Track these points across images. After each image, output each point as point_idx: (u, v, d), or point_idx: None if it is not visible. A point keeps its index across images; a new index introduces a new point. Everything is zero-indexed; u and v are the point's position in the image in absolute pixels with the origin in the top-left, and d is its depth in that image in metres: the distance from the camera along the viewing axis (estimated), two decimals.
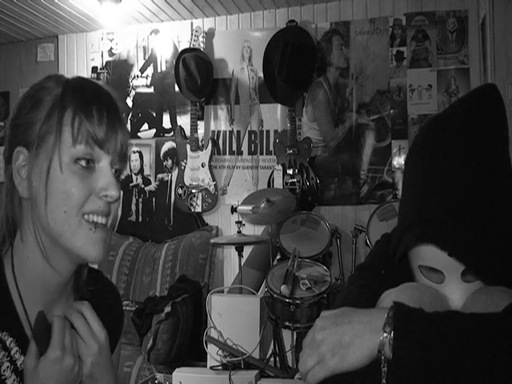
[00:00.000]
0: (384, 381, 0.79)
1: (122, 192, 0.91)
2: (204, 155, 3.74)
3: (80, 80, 0.90)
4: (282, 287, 2.49)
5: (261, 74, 3.67)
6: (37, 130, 0.85)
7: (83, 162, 0.84)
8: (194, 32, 3.76)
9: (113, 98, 0.90)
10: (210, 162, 3.73)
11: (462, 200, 0.85)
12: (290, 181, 3.50)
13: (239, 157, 3.78)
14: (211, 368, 2.18)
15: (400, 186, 3.43)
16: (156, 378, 2.26)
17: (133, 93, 4.03)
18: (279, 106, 3.68)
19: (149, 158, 4.00)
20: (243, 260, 2.99)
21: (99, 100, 0.87)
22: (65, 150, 0.83)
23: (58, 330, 0.84)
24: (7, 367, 0.85)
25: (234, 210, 3.40)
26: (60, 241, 0.85)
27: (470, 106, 0.91)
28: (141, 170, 4.01)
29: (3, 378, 0.84)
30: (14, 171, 0.86)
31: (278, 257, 3.14)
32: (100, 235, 0.86)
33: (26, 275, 0.88)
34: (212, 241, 3.12)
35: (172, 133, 3.92)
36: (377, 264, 1.03)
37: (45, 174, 0.84)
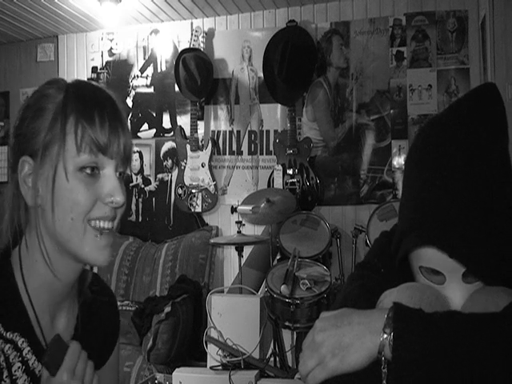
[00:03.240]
0: (384, 382, 0.79)
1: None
2: (204, 155, 3.74)
3: (80, 85, 0.90)
4: (282, 287, 2.49)
5: (261, 74, 3.67)
6: (41, 139, 0.85)
7: (88, 170, 0.85)
8: (194, 32, 3.75)
9: (114, 101, 0.90)
10: (210, 162, 3.73)
11: (463, 202, 0.85)
12: (290, 181, 3.50)
13: (239, 157, 3.78)
14: (211, 368, 2.18)
15: (400, 186, 3.43)
16: (156, 378, 2.26)
17: (133, 93, 4.03)
18: (279, 106, 3.68)
19: (149, 157, 4.00)
20: (243, 260, 2.99)
21: (101, 105, 0.87)
22: (69, 158, 0.84)
23: (70, 354, 0.85)
24: (18, 367, 0.86)
25: (234, 210, 3.40)
26: (68, 247, 0.87)
27: (469, 107, 0.91)
28: (141, 170, 4.01)
29: (14, 378, 0.85)
30: (21, 181, 0.87)
31: (278, 257, 3.14)
32: (106, 241, 0.88)
33: (34, 279, 0.90)
34: (212, 241, 3.12)
35: (172, 133, 3.92)
36: (376, 262, 1.03)
37: (51, 182, 0.85)
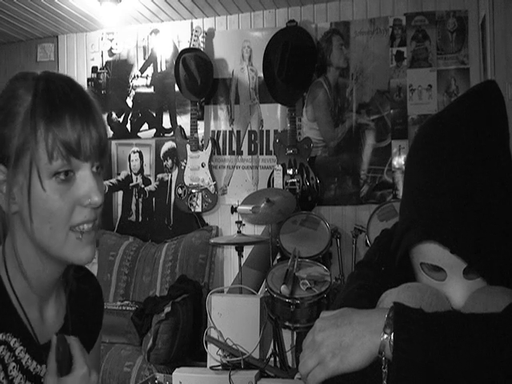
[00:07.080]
0: (385, 382, 0.79)
1: (105, 190, 0.91)
2: (204, 155, 3.74)
3: (49, 81, 0.87)
4: (282, 287, 2.49)
5: (261, 74, 3.67)
6: (13, 147, 0.83)
7: (62, 176, 0.83)
8: (194, 32, 3.76)
9: (85, 94, 0.88)
10: (209, 161, 3.73)
11: (465, 198, 0.85)
12: (290, 181, 3.50)
13: (239, 157, 3.78)
14: (211, 368, 2.18)
15: (400, 186, 3.43)
16: (156, 378, 2.26)
17: (133, 93, 4.03)
18: (279, 105, 3.68)
19: (149, 158, 3.99)
20: (243, 260, 2.99)
21: (71, 104, 0.84)
22: (42, 167, 0.82)
23: (78, 349, 0.88)
24: (13, 367, 0.87)
25: (234, 210, 3.40)
26: (49, 252, 0.87)
27: (470, 104, 0.91)
28: (141, 170, 4.01)
29: (11, 377, 0.86)
30: None
31: (278, 257, 3.14)
32: (88, 239, 0.87)
33: (18, 281, 0.90)
34: (212, 241, 3.12)
35: (172, 133, 3.92)
36: (377, 261, 1.03)
37: (26, 192, 0.83)
